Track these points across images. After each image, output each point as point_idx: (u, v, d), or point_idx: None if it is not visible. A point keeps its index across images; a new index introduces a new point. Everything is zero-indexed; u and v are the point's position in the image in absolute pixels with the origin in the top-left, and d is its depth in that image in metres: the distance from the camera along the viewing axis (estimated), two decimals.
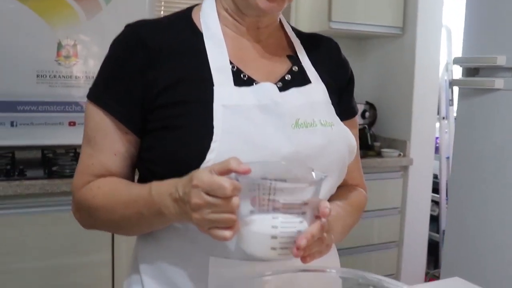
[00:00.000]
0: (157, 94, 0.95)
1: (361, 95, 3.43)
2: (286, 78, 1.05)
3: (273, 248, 0.78)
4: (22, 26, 2.54)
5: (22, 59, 2.56)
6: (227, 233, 0.78)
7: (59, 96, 2.64)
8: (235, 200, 0.76)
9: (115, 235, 2.30)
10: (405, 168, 3.16)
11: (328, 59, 1.15)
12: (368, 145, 3.16)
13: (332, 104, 1.08)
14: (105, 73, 1.00)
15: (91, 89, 1.00)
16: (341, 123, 1.07)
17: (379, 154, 3.13)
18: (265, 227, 0.77)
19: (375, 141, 3.24)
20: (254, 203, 0.77)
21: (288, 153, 0.95)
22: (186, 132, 0.93)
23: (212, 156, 0.90)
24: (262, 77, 1.02)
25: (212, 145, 0.90)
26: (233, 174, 0.78)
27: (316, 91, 1.06)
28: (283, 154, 0.94)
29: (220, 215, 0.77)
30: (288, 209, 0.77)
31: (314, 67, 1.10)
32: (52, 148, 2.62)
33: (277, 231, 0.77)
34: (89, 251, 2.28)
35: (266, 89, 0.98)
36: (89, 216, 0.99)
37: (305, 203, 0.78)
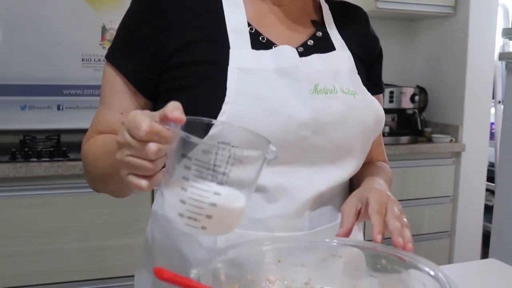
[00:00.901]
0: (170, 54, 0.93)
1: (411, 79, 3.32)
2: (308, 43, 1.01)
3: (180, 215, 0.69)
4: (67, 10, 2.58)
5: (68, 43, 2.61)
6: (143, 182, 0.70)
7: None
8: (150, 146, 0.66)
9: None
10: (457, 155, 3.02)
11: (357, 28, 1.10)
12: (418, 131, 3.04)
13: (359, 73, 1.03)
14: (120, 32, 1.00)
15: (108, 48, 1.00)
16: (367, 92, 1.02)
17: (430, 140, 3.02)
18: (175, 189, 0.69)
19: (426, 126, 3.12)
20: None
21: (305, 119, 0.91)
22: (197, 93, 0.91)
23: (223, 119, 0.86)
24: (282, 41, 0.98)
25: (224, 107, 0.87)
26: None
27: (340, 59, 1.01)
28: (300, 119, 0.91)
29: (136, 159, 0.69)
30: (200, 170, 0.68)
31: (340, 34, 1.05)
32: None
33: (185, 195, 0.68)
34: (129, 232, 2.29)
35: (285, 53, 0.95)
36: (88, 172, 0.98)
37: (224, 173, 0.68)
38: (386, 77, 3.39)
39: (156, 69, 0.94)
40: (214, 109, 0.87)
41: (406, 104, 3.05)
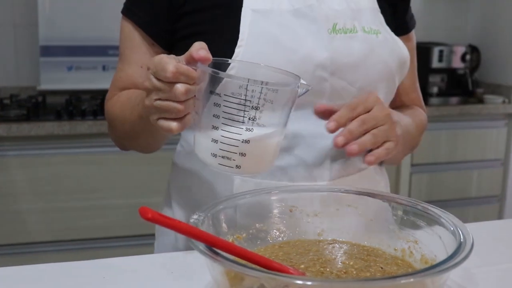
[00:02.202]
0: (184, 1, 0.91)
1: (463, 37, 3.19)
2: None
3: (213, 155, 0.70)
4: None
5: (112, 4, 2.60)
6: (172, 123, 0.71)
7: None
8: (178, 86, 0.68)
9: None
10: (510, 116, 2.89)
11: None
12: (469, 91, 2.92)
13: (383, 12, 0.98)
14: None
15: (124, 3, 0.99)
16: (391, 32, 0.98)
17: (481, 101, 2.89)
18: (207, 129, 0.70)
19: (478, 87, 2.99)
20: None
21: (323, 60, 0.88)
22: (210, 37, 0.88)
23: (236, 63, 0.84)
24: None
25: (236, 50, 0.86)
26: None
27: None
28: (317, 60, 0.88)
29: (164, 102, 0.70)
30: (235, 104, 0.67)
31: None
32: None
33: (217, 134, 0.68)
34: None
35: None
36: (114, 130, 0.99)
37: (256, 108, 0.67)
38: (436, 35, 3.26)
39: (171, 17, 0.93)
40: (226, 53, 0.86)
41: (457, 63, 2.93)
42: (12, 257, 2.19)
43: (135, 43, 0.96)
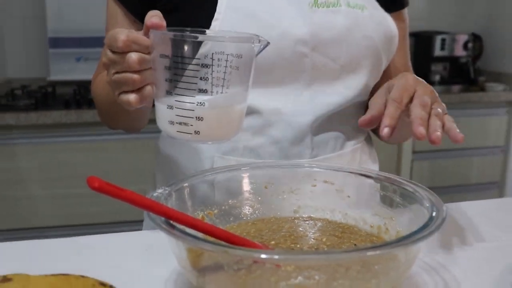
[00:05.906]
0: None
1: (467, 25, 3.19)
2: None
3: (171, 122, 0.65)
4: None
5: None
6: (131, 96, 0.67)
7: None
8: (131, 55, 0.64)
9: None
10: (511, 104, 2.89)
11: None
12: (471, 79, 2.94)
13: None
14: None
15: None
16: (379, 8, 0.95)
17: (483, 89, 2.90)
18: (162, 96, 0.66)
19: (480, 75, 3.00)
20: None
21: (303, 34, 0.86)
22: (186, 12, 0.88)
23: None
24: None
25: (213, 23, 0.85)
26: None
27: None
28: (297, 35, 0.86)
29: (121, 74, 0.66)
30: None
31: None
32: None
33: (171, 99, 0.64)
34: None
35: None
36: (98, 109, 0.99)
37: (208, 66, 0.63)
38: (438, 24, 3.24)
39: None
40: (203, 27, 0.82)
41: (459, 52, 2.94)
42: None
43: (118, 21, 0.95)
